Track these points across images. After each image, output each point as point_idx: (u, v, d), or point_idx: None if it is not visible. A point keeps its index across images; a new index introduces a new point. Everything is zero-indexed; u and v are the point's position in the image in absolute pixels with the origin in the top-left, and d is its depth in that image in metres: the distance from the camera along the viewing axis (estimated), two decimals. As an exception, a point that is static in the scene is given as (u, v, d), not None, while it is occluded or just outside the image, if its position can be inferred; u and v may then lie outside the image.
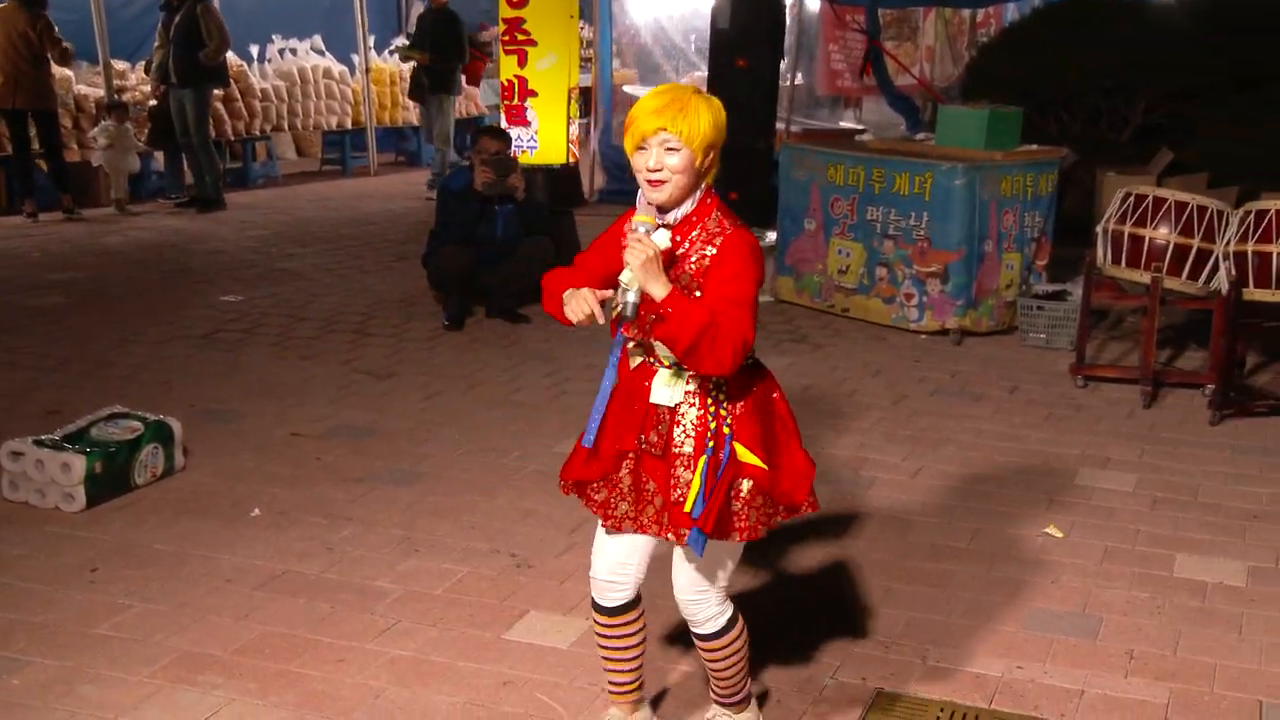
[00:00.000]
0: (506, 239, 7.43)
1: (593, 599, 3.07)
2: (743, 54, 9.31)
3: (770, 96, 9.55)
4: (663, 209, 2.80)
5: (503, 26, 11.07)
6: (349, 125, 14.06)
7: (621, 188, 11.73)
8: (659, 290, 2.66)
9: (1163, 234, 5.91)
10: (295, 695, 3.39)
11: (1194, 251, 5.88)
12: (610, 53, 11.83)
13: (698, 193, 2.81)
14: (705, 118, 2.74)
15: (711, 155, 2.78)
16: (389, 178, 12.19)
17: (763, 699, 3.41)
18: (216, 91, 11.66)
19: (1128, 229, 6.01)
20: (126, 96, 11.95)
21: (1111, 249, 6.10)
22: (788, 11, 10.06)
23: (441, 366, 6.52)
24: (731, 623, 3.05)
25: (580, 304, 2.77)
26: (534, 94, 11.02)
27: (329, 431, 5.50)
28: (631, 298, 2.71)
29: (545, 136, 11.11)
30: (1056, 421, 5.76)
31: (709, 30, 9.71)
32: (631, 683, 3.16)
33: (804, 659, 3.63)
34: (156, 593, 3.96)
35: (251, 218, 10.97)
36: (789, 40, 10.47)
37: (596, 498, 2.94)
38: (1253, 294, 5.64)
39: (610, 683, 3.17)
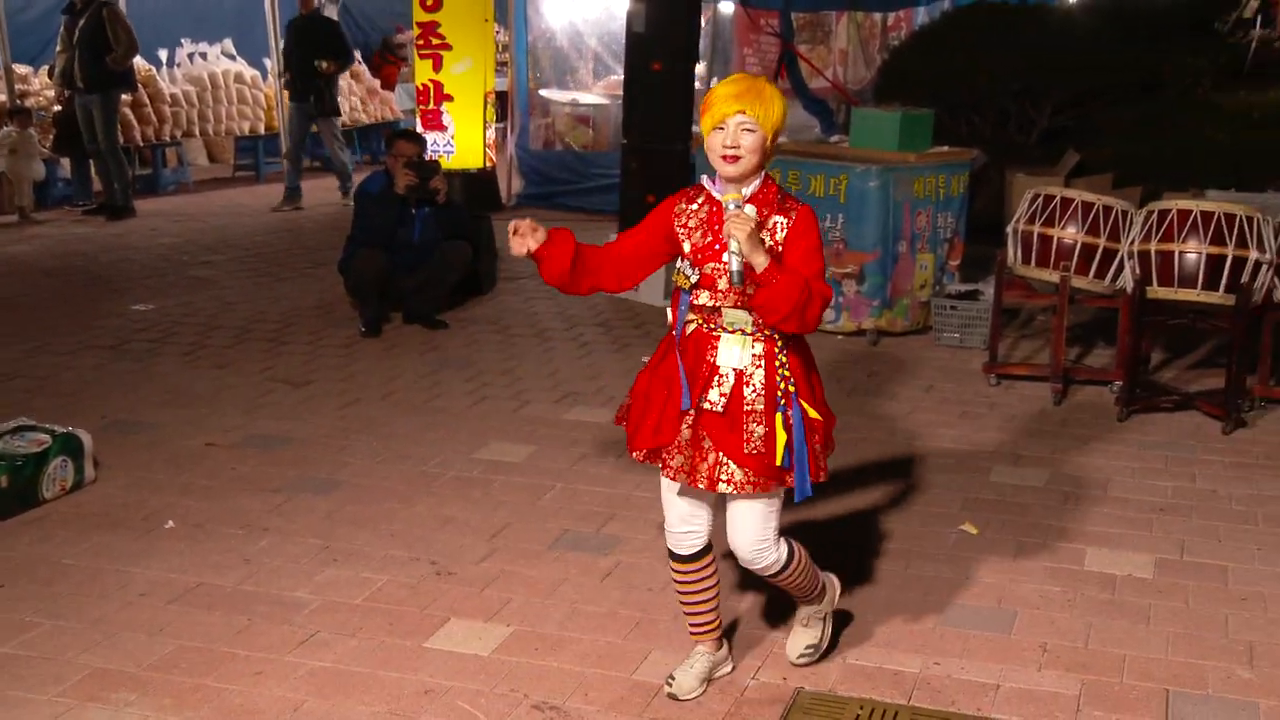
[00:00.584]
0: (424, 243, 7.38)
1: (669, 550, 3.43)
2: (658, 57, 9.33)
3: (686, 99, 9.57)
4: (730, 183, 3.15)
5: (417, 31, 10.98)
6: (262, 131, 13.86)
7: (539, 191, 11.71)
8: (762, 260, 3.00)
9: (1070, 234, 6.03)
10: (212, 710, 3.34)
11: (1100, 251, 6.00)
12: (526, 57, 11.80)
13: (762, 173, 3.18)
14: (777, 105, 3.12)
15: (776, 140, 3.16)
16: (304, 183, 12.06)
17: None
18: (124, 97, 11.44)
19: (1037, 229, 6.12)
20: (29, 102, 11.69)
21: (1021, 249, 6.21)
22: (702, 15, 10.10)
23: (359, 374, 6.46)
24: (790, 553, 3.39)
25: (518, 225, 3.12)
26: (450, 98, 10.96)
27: (244, 441, 5.42)
28: (735, 265, 3.02)
29: (462, 141, 11.05)
30: (971, 420, 5.85)
31: (624, 34, 9.72)
32: (712, 622, 3.51)
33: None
34: (66, 609, 3.88)
35: (162, 225, 10.79)
36: (704, 44, 10.52)
37: (671, 462, 3.24)
38: (1156, 292, 5.77)
39: (691, 625, 3.52)
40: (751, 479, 3.18)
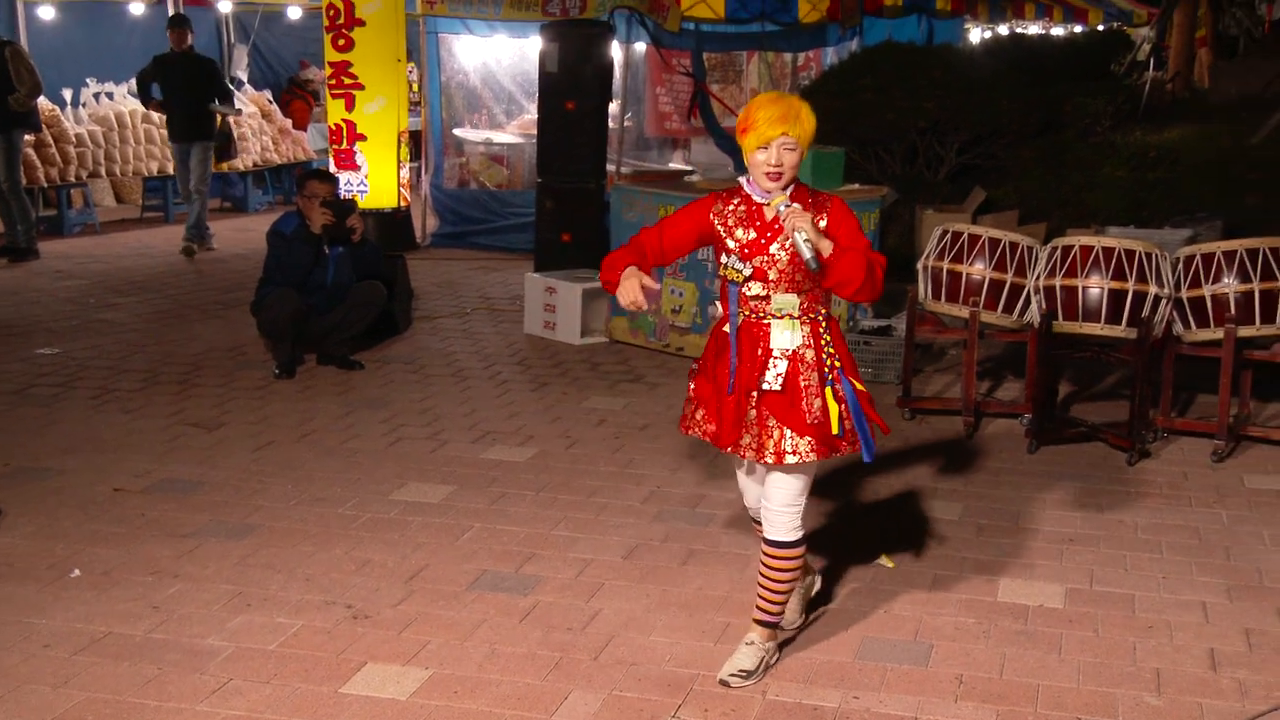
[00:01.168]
0: (338, 284, 7.32)
1: (753, 519, 3.91)
2: (571, 97, 9.39)
3: (600, 138, 9.64)
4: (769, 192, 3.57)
5: (329, 70, 10.93)
6: (171, 171, 13.65)
7: (454, 231, 11.69)
8: (828, 245, 3.48)
9: (978, 270, 6.15)
10: (121, 763, 3.26)
11: (1008, 286, 6.13)
12: (439, 96, 11.79)
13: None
14: (811, 123, 3.55)
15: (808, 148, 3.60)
16: (215, 224, 11.91)
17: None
18: (28, 137, 11.22)
19: (946, 265, 6.23)
20: (-70, 142, 11.40)
21: (932, 285, 6.32)
22: (615, 55, 10.18)
23: (273, 416, 6.38)
24: (802, 539, 3.72)
25: (632, 292, 3.52)
26: (363, 138, 10.91)
27: (154, 486, 5.32)
28: (808, 253, 3.44)
29: (375, 180, 11.00)
30: (886, 454, 5.92)
31: (538, 73, 9.76)
32: (781, 612, 3.82)
33: (645, 699, 3.64)
34: (-31, 663, 3.77)
35: (68, 267, 10.57)
36: (617, 83, 10.60)
37: (742, 443, 3.61)
38: (1062, 326, 5.90)
39: (765, 612, 3.76)
40: (814, 448, 3.57)
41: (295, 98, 15.79)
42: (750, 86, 14.70)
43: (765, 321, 3.61)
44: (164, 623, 4.06)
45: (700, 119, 11.99)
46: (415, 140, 12.05)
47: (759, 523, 3.85)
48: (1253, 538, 4.91)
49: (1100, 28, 26.61)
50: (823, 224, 3.56)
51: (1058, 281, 5.87)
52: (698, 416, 3.77)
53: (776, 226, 3.58)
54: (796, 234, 3.45)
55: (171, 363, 7.39)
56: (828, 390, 3.58)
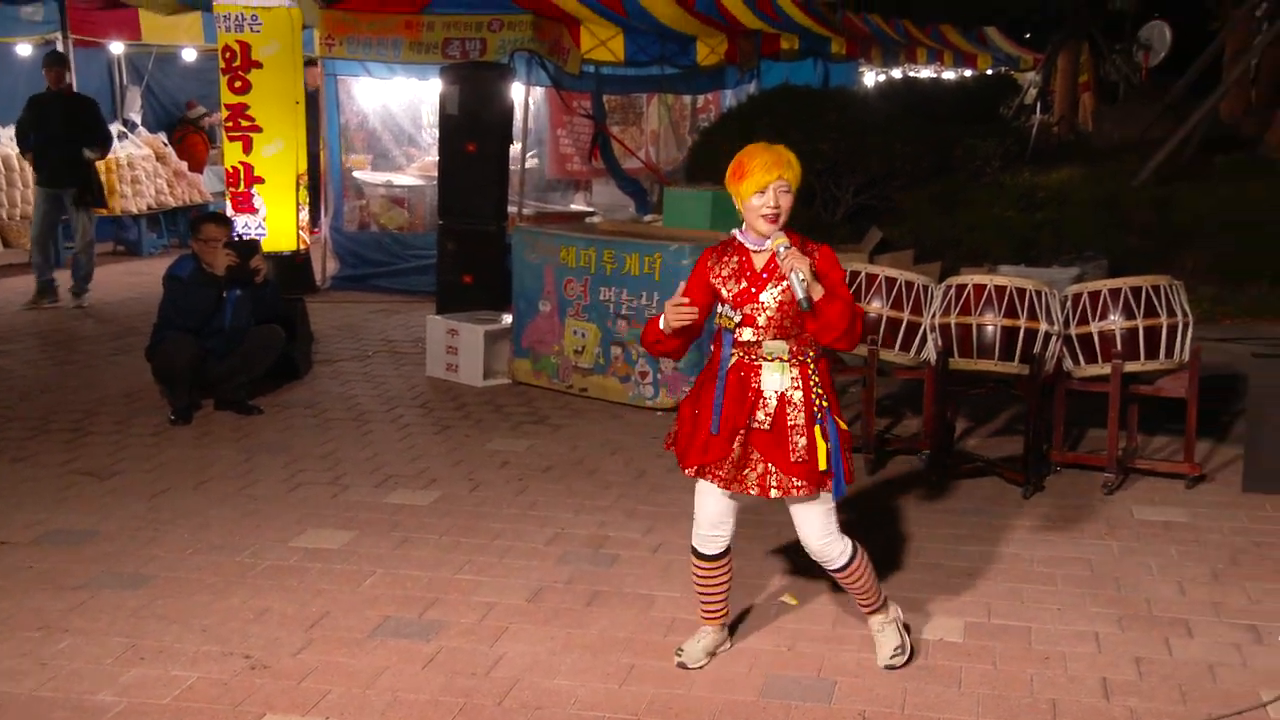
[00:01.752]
0: (236, 327, 7.22)
1: (695, 548, 4.08)
2: (472, 139, 9.40)
3: (501, 180, 9.65)
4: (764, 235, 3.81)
5: (225, 113, 10.81)
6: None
7: (354, 274, 11.58)
8: (820, 289, 3.71)
9: (876, 308, 6.26)
10: (9, 826, 3.15)
11: (905, 324, 6.24)
12: (339, 139, 11.72)
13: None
14: (799, 167, 3.82)
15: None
16: (107, 268, 11.67)
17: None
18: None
19: (844, 305, 6.33)
20: None
21: (830, 324, 6.40)
22: (516, 97, 10.21)
23: (169, 463, 6.25)
24: (855, 551, 4.00)
25: (672, 307, 3.83)
26: (261, 180, 10.79)
27: (44, 537, 5.18)
28: (802, 294, 3.67)
29: (274, 223, 10.87)
30: (787, 491, 5.97)
31: (438, 116, 9.76)
32: (721, 610, 4.16)
33: (551, 742, 3.62)
34: None
35: (-47, 312, 10.28)
36: (518, 125, 10.63)
37: (719, 472, 3.86)
38: (958, 363, 6.02)
39: (704, 610, 4.16)
40: (798, 484, 3.82)
41: (189, 134, 15.57)
42: (650, 128, 14.84)
43: (757, 364, 3.85)
44: (52, 679, 3.94)
45: (601, 160, 12.07)
46: (314, 182, 11.94)
47: (703, 556, 4.07)
48: (1141, 568, 5.04)
49: (989, 72, 27.36)
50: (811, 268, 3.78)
51: (953, 319, 6.00)
52: (679, 439, 4.04)
53: (764, 276, 3.83)
54: (793, 275, 3.68)
55: (64, 410, 7.21)
56: (816, 429, 3.82)
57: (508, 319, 8.15)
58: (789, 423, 3.82)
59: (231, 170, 10.84)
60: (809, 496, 3.87)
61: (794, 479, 3.82)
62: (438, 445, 6.66)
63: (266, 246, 10.40)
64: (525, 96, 10.72)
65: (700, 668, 4.10)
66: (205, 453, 6.45)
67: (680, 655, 4.12)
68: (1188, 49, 22.53)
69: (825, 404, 3.86)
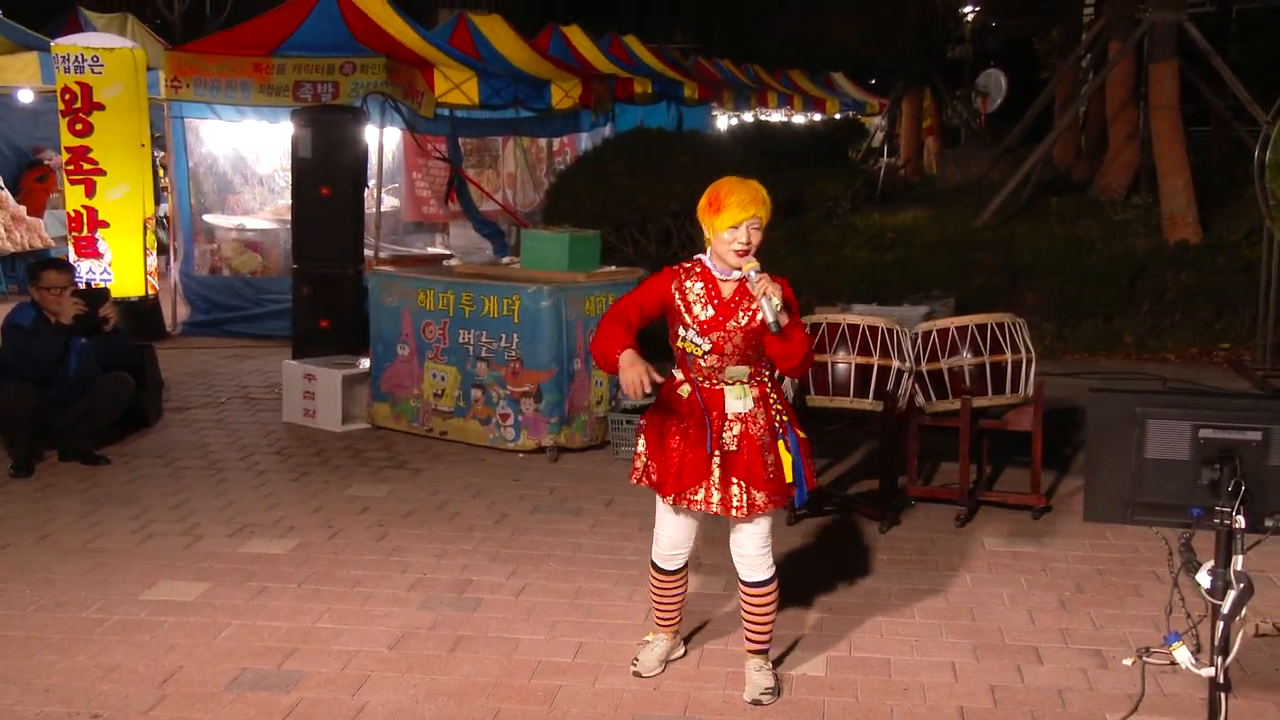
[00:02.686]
0: (81, 375, 6.98)
1: (655, 563, 4.31)
2: (326, 182, 9.28)
3: (356, 223, 9.53)
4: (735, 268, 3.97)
5: (66, 155, 10.49)
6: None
7: (207, 319, 11.31)
8: (787, 316, 3.88)
9: (733, 348, 6.34)
10: None
11: (761, 363, 6.33)
12: (188, 182, 11.46)
13: None
14: (770, 204, 3.98)
15: None
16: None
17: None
18: None
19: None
20: None
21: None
22: (370, 139, 10.13)
23: (9, 517, 6.00)
24: (775, 573, 4.19)
25: (637, 379, 3.84)
26: (105, 225, 10.47)
27: (-126, 599, 4.93)
28: (771, 317, 3.84)
29: (120, 269, 10.56)
30: (649, 532, 5.98)
31: (290, 159, 9.62)
32: (675, 619, 4.40)
33: (417, 792, 3.56)
34: None
35: None
36: (373, 168, 10.54)
37: (695, 498, 4.05)
38: (815, 400, 6.13)
39: (659, 619, 4.39)
40: (771, 499, 4.03)
41: (35, 181, 15.04)
42: (507, 171, 14.86)
43: (719, 388, 4.05)
44: (-113, 747, 3.75)
45: (458, 203, 12.03)
46: (164, 226, 11.64)
47: (664, 571, 4.30)
48: (994, 598, 5.19)
49: (838, 116, 28.10)
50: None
51: (827, 359, 6.11)
52: (650, 469, 4.15)
53: (732, 305, 4.00)
54: (765, 299, 3.84)
55: (-108, 465, 6.88)
56: (780, 444, 4.03)
57: (365, 363, 8.05)
58: (756, 442, 4.02)
59: (74, 214, 10.52)
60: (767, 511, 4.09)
61: (766, 494, 4.02)
62: (295, 492, 6.53)
63: (114, 292, 10.12)
64: (379, 139, 10.64)
65: (654, 675, 4.30)
66: (48, 505, 6.21)
67: (635, 665, 4.32)
68: (1022, 96, 23.50)
69: (785, 418, 4.08)
